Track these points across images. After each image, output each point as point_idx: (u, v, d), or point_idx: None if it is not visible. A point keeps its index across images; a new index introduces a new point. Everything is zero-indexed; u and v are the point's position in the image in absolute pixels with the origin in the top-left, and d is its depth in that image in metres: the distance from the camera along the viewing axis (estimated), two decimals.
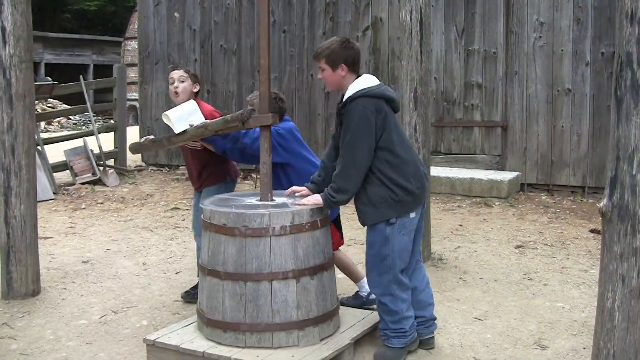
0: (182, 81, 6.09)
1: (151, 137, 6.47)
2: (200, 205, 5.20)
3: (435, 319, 5.32)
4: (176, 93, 6.07)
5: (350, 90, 4.95)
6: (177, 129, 5.66)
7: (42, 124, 23.19)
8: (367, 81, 5.01)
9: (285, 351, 4.75)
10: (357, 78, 5.05)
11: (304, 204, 4.93)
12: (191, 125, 5.60)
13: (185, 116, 5.72)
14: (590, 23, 10.88)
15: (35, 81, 7.25)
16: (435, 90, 11.90)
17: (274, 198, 5.13)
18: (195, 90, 6.17)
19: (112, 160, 13.84)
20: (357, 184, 4.84)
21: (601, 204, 3.56)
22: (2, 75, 6.41)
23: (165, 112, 5.80)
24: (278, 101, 5.80)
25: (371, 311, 5.61)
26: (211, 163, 6.29)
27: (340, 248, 6.04)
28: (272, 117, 5.10)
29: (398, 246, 4.89)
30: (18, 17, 6.36)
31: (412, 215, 4.94)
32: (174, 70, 6.20)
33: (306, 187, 5.26)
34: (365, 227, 5.01)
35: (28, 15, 6.47)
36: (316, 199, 4.95)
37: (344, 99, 4.97)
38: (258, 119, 5.10)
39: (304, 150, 5.91)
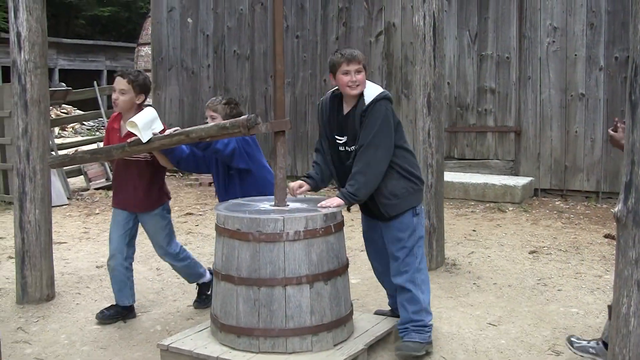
0: (123, 93, 5.74)
1: (83, 148, 6.32)
2: (215, 211, 5.19)
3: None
4: (115, 104, 5.82)
5: (372, 93, 5.09)
6: (145, 137, 5.35)
7: (56, 129, 23.28)
8: (376, 84, 5.23)
9: (299, 356, 4.75)
10: None
11: (328, 206, 4.96)
12: (155, 134, 5.38)
13: (149, 124, 5.44)
14: (604, 28, 10.85)
15: (50, 87, 7.27)
16: (449, 95, 11.88)
17: (288, 203, 5.13)
18: (139, 102, 5.81)
19: None
20: (378, 181, 5.03)
21: (616, 209, 3.55)
22: (17, 81, 6.44)
23: (131, 119, 5.43)
24: (236, 106, 5.84)
25: (385, 317, 5.61)
26: (158, 178, 6.02)
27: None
28: (289, 122, 5.15)
29: (420, 234, 5.22)
30: (33, 23, 6.40)
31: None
32: (118, 77, 5.82)
33: (305, 182, 5.32)
34: (384, 222, 5.19)
35: (43, 21, 6.50)
36: (338, 201, 5.00)
37: (369, 101, 5.06)
38: (277, 124, 5.10)
39: (263, 159, 5.94)
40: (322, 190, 5.70)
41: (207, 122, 5.60)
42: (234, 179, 5.81)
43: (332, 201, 5.02)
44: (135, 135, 5.43)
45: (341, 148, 5.24)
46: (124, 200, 5.93)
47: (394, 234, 5.15)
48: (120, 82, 5.76)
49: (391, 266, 5.26)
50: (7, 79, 22.53)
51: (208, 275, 6.41)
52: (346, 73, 5.08)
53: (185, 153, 5.77)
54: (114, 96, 5.80)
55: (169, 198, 6.19)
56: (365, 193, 5.01)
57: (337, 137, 5.26)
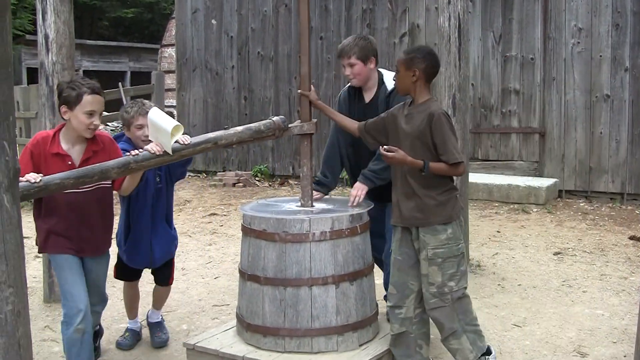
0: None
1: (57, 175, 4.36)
2: (241, 211, 5.21)
3: None
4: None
5: (391, 77, 5.32)
6: (169, 147, 4.53)
7: None
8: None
9: (325, 356, 4.76)
10: None
11: (358, 196, 5.12)
12: (182, 143, 4.58)
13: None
14: (630, 28, 10.80)
15: None
16: (473, 96, 11.86)
17: (314, 204, 5.15)
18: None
19: None
20: None
21: None
22: (45, 82, 6.51)
23: (164, 125, 4.53)
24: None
25: None
26: (111, 210, 4.96)
27: None
28: (317, 124, 5.18)
29: None
30: (61, 25, 6.46)
31: None
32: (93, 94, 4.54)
33: (317, 190, 5.44)
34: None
35: (70, 24, 6.57)
36: (362, 186, 5.14)
37: (391, 86, 5.29)
38: (309, 126, 5.13)
39: None
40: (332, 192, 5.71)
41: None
42: (162, 193, 5.41)
43: (357, 190, 5.05)
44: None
45: None
46: (80, 244, 4.69)
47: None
48: (97, 102, 4.55)
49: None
50: (32, 80, 22.71)
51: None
52: (343, 67, 5.30)
53: (161, 170, 5.31)
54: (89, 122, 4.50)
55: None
56: (388, 175, 4.97)
57: None
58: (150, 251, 5.45)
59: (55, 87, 6.45)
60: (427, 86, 4.68)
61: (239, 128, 4.91)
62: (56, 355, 5.44)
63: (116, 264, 5.63)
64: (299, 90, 5.14)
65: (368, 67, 5.37)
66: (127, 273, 5.66)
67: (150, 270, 5.74)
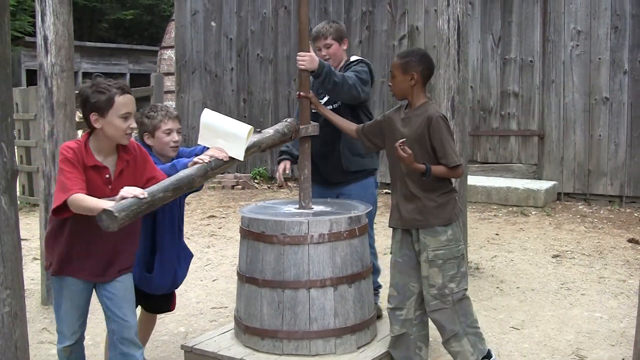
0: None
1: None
2: (239, 213, 5.20)
3: None
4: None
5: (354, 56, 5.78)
6: (241, 153, 4.37)
7: (80, 132, 23.41)
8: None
9: (323, 359, 4.76)
10: None
11: (305, 59, 5.12)
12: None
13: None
14: (629, 31, 10.80)
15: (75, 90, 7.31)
16: (472, 99, 11.86)
17: (312, 206, 5.15)
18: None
19: None
20: (350, 93, 5.40)
21: None
22: (44, 84, 6.51)
23: (236, 130, 4.38)
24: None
25: None
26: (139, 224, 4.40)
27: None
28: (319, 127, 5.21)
29: None
30: (60, 27, 6.46)
31: None
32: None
33: (284, 160, 5.71)
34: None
35: (69, 25, 6.57)
36: (314, 58, 5.17)
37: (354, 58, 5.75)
38: (313, 128, 5.15)
39: None
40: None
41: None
42: (182, 204, 4.96)
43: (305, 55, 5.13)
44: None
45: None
46: (93, 266, 4.17)
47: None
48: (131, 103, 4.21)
49: None
50: (32, 82, 22.71)
51: None
52: (318, 49, 5.52)
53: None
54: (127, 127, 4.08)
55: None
56: (337, 80, 5.19)
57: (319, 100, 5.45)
58: (175, 271, 4.90)
59: (54, 88, 6.48)
60: (423, 89, 4.68)
61: (270, 130, 4.88)
62: (54, 357, 5.43)
63: None
64: (300, 92, 5.14)
65: (342, 48, 5.71)
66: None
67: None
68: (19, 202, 11.24)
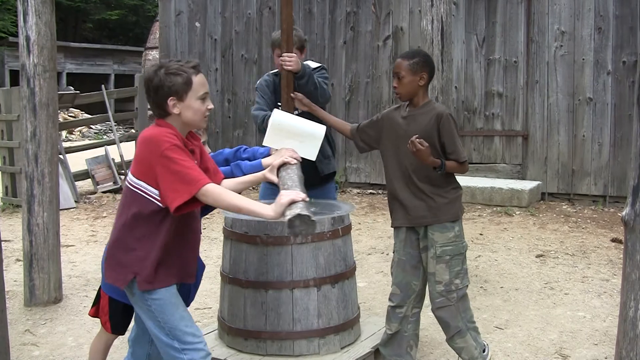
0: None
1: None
2: (223, 214, 5.17)
3: None
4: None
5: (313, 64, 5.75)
6: (314, 154, 4.39)
7: (64, 133, 23.35)
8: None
9: (306, 359, 4.76)
10: None
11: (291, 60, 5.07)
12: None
13: None
14: (612, 32, 10.84)
15: (58, 90, 7.29)
16: (456, 99, 11.88)
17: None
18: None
19: None
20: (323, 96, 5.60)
21: (624, 213, 3.55)
22: (26, 84, 6.48)
23: (311, 130, 4.41)
24: None
25: None
26: None
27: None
28: None
29: None
30: (42, 27, 6.43)
31: None
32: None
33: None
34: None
35: (52, 25, 6.54)
36: (297, 61, 5.15)
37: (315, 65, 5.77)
38: None
39: None
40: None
41: None
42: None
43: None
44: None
45: None
46: (186, 269, 3.91)
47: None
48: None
49: None
50: (15, 82, 22.60)
51: None
52: (279, 56, 5.35)
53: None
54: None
55: None
56: (317, 82, 5.39)
57: (279, 103, 5.44)
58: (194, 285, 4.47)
59: (36, 89, 6.45)
60: (427, 89, 4.73)
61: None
62: (36, 359, 5.41)
63: (111, 309, 4.48)
64: (292, 94, 5.13)
65: (303, 56, 5.68)
66: (125, 321, 4.58)
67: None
68: (1, 203, 11.20)
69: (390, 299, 4.91)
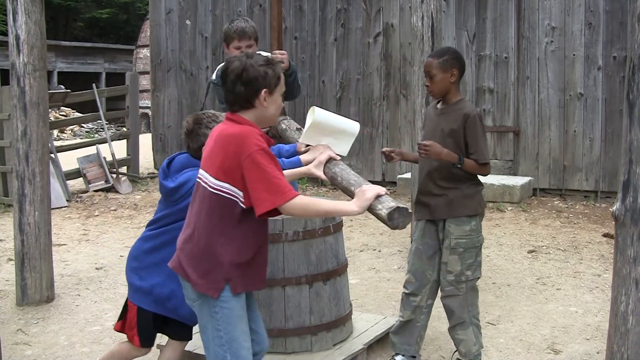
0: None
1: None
2: None
3: None
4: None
5: None
6: (347, 150, 4.31)
7: (55, 131, 23.29)
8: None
9: (299, 356, 4.77)
10: None
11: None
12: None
13: None
14: (602, 27, 10.86)
15: (49, 89, 7.27)
16: None
17: None
18: None
19: (125, 167, 13.86)
20: None
21: (614, 208, 3.57)
22: (16, 84, 6.46)
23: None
24: None
25: (384, 317, 5.62)
26: None
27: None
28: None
29: None
30: (32, 26, 6.41)
31: None
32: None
33: None
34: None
35: (42, 24, 6.52)
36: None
37: None
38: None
39: None
40: (322, 190, 5.72)
41: None
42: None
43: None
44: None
45: None
46: (261, 274, 3.75)
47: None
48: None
49: None
50: (6, 81, 22.57)
51: None
52: (238, 48, 5.36)
53: None
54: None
55: None
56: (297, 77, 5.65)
57: None
58: None
59: (26, 88, 6.43)
60: (458, 85, 4.80)
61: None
62: (29, 358, 5.40)
63: (140, 321, 4.36)
64: None
65: (256, 47, 5.74)
66: (154, 332, 4.48)
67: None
68: None
69: (405, 287, 4.96)
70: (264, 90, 3.50)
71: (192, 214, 3.63)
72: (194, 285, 3.57)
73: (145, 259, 4.29)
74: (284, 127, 4.83)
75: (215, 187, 3.49)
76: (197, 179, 3.63)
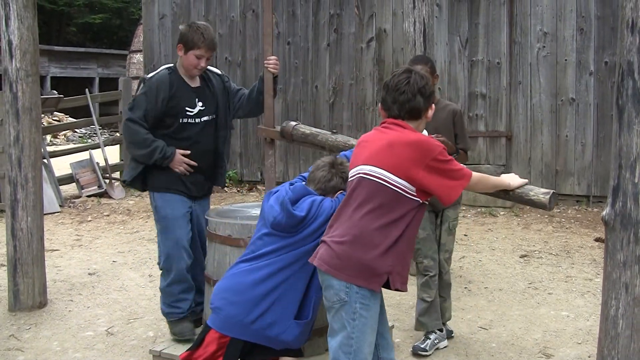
0: None
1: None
2: (206, 217, 5.20)
3: None
4: None
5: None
6: None
7: (48, 137, 23.25)
8: None
9: None
10: None
11: None
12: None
13: None
14: (594, 33, 10.90)
15: (42, 94, 7.28)
16: None
17: None
18: None
19: (118, 172, 13.86)
20: None
21: (604, 213, 3.58)
22: (8, 89, 6.47)
23: None
24: None
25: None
26: None
27: None
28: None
29: None
30: (24, 31, 6.42)
31: None
32: None
33: None
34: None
35: (34, 29, 6.53)
36: None
37: (219, 72, 6.05)
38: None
39: None
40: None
41: None
42: None
43: None
44: None
45: (192, 120, 5.45)
46: (405, 271, 3.89)
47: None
48: None
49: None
50: None
51: None
52: (200, 57, 5.30)
53: None
54: None
55: None
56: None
57: (188, 108, 5.45)
58: None
59: (19, 93, 6.43)
60: None
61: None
62: None
63: (230, 352, 4.18)
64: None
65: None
66: None
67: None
68: None
69: (427, 270, 5.47)
70: (433, 106, 3.91)
71: (350, 210, 3.75)
72: (350, 279, 3.65)
73: (250, 292, 4.10)
74: (307, 131, 4.97)
75: (395, 184, 3.68)
76: (362, 175, 3.76)
